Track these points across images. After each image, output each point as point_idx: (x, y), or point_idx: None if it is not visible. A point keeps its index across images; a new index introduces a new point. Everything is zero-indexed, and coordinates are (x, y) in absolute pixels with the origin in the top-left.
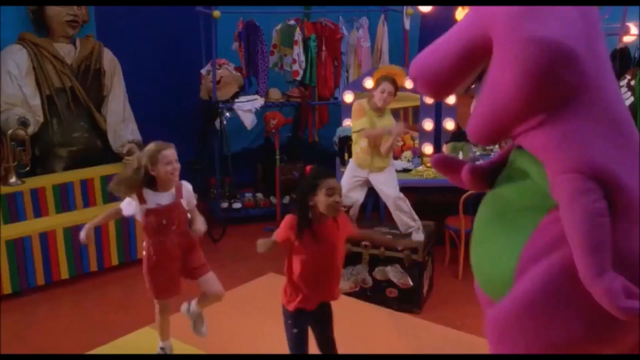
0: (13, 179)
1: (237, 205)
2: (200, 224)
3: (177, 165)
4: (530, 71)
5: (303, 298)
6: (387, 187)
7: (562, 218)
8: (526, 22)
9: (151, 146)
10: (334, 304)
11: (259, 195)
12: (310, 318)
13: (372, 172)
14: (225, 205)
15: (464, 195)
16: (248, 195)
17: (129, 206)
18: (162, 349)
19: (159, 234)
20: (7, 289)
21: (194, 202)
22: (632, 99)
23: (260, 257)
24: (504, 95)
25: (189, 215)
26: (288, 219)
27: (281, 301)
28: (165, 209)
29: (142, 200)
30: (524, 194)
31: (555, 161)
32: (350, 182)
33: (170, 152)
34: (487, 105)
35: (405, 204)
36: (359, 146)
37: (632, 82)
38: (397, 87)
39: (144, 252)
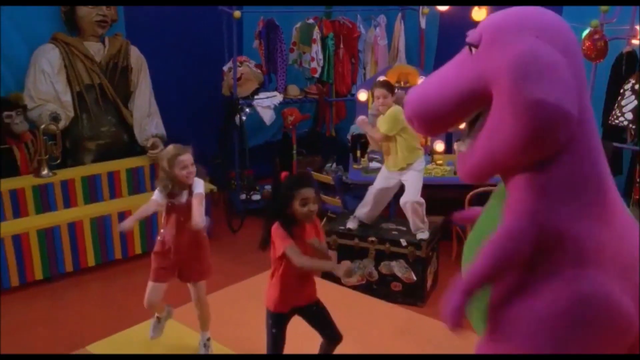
0: (45, 171)
1: (256, 197)
2: (197, 217)
3: (193, 169)
4: (530, 128)
5: (285, 298)
6: (409, 188)
7: (489, 239)
8: (530, 84)
9: (170, 149)
10: (340, 298)
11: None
12: (300, 315)
13: (399, 172)
14: (244, 197)
15: (470, 193)
16: (267, 187)
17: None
18: (158, 317)
19: (175, 229)
20: (39, 275)
21: (199, 196)
22: (635, 102)
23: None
24: (502, 145)
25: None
26: (278, 229)
27: (265, 303)
28: (182, 206)
29: (170, 195)
30: (493, 224)
31: (513, 201)
32: (382, 183)
33: (186, 157)
34: (484, 150)
35: (421, 209)
36: None
37: (637, 86)
38: (391, 86)
39: (158, 237)
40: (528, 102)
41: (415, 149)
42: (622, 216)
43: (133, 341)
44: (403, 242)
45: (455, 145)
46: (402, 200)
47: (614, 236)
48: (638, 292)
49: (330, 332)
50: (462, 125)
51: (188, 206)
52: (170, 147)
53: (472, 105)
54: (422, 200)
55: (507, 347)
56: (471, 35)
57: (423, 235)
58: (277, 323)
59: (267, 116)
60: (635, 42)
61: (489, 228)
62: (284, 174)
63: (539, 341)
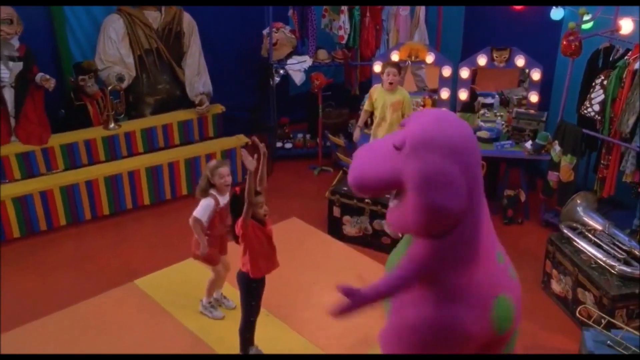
0: (112, 125)
1: (288, 145)
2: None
3: (229, 179)
4: (425, 221)
5: (262, 268)
6: None
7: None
8: (429, 192)
9: (212, 163)
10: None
11: (308, 136)
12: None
13: None
14: (279, 144)
15: None
16: (299, 136)
17: (207, 207)
18: (203, 306)
19: (222, 224)
20: (106, 211)
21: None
22: (603, 96)
23: (292, 198)
24: (409, 224)
25: None
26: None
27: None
28: (224, 209)
29: (217, 202)
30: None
31: (412, 251)
32: None
33: (224, 170)
34: (399, 220)
35: None
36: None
37: (605, 82)
38: (399, 67)
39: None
40: (425, 205)
41: None
42: (488, 264)
43: (174, 278)
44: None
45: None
46: None
47: (474, 280)
48: (485, 314)
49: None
50: None
51: (227, 208)
52: (213, 162)
53: (393, 187)
54: None
55: (392, 335)
56: (398, 140)
57: None
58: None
59: (298, 78)
60: (622, 32)
61: (397, 257)
62: (237, 189)
63: (405, 337)
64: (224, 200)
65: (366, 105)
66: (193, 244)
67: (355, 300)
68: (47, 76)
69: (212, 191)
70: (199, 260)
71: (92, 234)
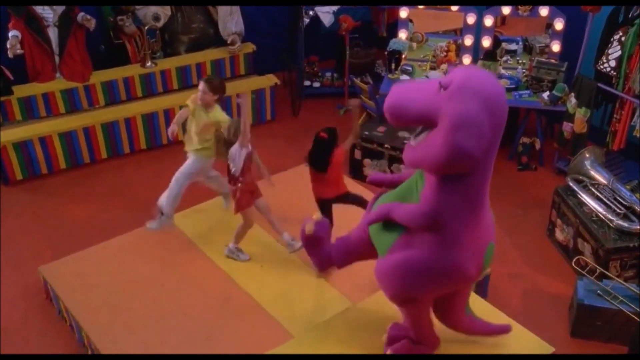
0: (149, 63)
1: (316, 84)
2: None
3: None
4: (448, 159)
5: None
6: None
7: (408, 205)
8: (458, 133)
9: (236, 121)
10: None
11: (335, 75)
12: None
13: None
14: (308, 83)
15: None
16: (327, 74)
17: (240, 154)
18: (230, 250)
19: (250, 170)
20: (143, 146)
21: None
22: (620, 52)
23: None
24: (429, 159)
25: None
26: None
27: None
28: (248, 156)
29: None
30: (410, 191)
31: (427, 193)
32: None
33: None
34: (419, 155)
35: None
36: None
37: (622, 38)
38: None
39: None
40: (451, 143)
41: None
42: (485, 214)
43: (205, 215)
44: None
45: (478, 64)
46: None
47: (476, 229)
48: (479, 264)
49: None
50: None
51: (249, 157)
52: (235, 119)
53: (425, 121)
54: None
55: (395, 270)
56: (445, 80)
57: None
58: None
59: (327, 19)
60: None
61: (406, 192)
62: None
63: (407, 273)
64: (245, 152)
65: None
66: (233, 194)
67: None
68: (88, 16)
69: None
70: (236, 212)
71: (132, 166)
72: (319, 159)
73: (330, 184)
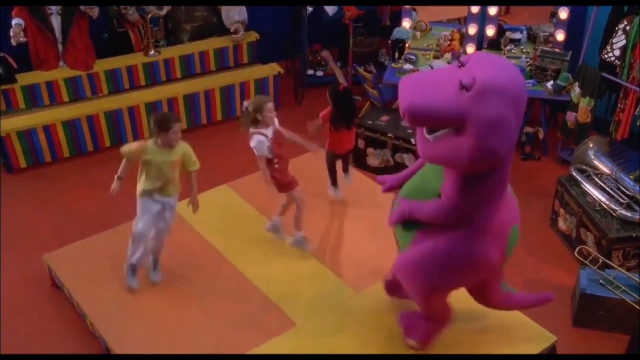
0: (152, 52)
1: (320, 73)
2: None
3: (274, 114)
4: (476, 160)
5: None
6: None
7: (433, 201)
8: (489, 135)
9: (258, 99)
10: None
11: (339, 64)
12: None
13: None
14: (311, 72)
15: None
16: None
17: (262, 143)
18: (297, 241)
19: (279, 153)
20: (147, 135)
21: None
22: (624, 41)
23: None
24: (455, 158)
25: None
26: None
27: None
28: (275, 137)
29: (266, 136)
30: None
31: (448, 188)
32: None
33: (271, 105)
34: (442, 152)
35: None
36: None
37: (627, 28)
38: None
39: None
40: (481, 146)
41: None
42: (507, 197)
43: (210, 203)
44: (413, 140)
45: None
46: None
47: (498, 217)
48: (503, 249)
49: None
50: None
51: (279, 135)
52: (258, 97)
53: (449, 123)
54: None
55: (419, 261)
56: (467, 80)
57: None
58: None
59: (330, 8)
60: None
61: (421, 185)
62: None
63: (431, 265)
64: (270, 131)
65: None
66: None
67: (403, 211)
68: (91, 4)
69: (255, 128)
70: (282, 192)
71: None
72: (351, 112)
73: (350, 137)
